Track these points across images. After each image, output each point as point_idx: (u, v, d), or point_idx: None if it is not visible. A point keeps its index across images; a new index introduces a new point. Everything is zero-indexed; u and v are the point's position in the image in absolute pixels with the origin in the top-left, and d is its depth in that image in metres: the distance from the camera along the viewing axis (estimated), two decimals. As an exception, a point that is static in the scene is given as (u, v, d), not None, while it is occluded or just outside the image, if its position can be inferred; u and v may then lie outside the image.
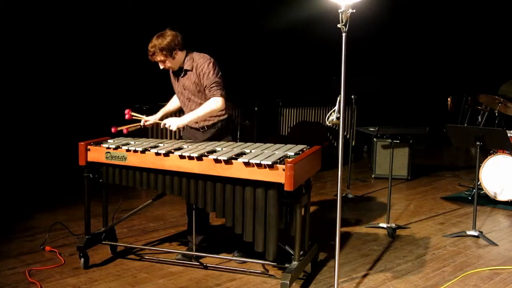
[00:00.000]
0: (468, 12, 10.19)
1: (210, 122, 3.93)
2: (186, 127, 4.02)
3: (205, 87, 3.81)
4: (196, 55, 3.88)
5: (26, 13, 6.53)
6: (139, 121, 4.05)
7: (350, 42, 3.17)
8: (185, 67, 3.87)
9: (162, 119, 4.06)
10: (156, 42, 3.75)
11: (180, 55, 3.83)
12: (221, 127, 3.95)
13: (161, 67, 3.90)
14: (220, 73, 3.84)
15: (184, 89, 3.93)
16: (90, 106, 7.03)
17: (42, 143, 6.63)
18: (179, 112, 4.23)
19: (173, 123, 3.77)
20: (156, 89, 7.37)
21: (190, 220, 4.01)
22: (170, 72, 4.01)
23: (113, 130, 3.94)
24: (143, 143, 3.80)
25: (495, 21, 10.10)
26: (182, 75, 3.90)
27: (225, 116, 3.95)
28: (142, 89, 7.28)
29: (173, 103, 4.23)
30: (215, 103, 3.76)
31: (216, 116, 3.90)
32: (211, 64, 3.81)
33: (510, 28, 9.90)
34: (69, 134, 5.92)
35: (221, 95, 3.78)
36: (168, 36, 3.76)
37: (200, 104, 3.86)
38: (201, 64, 3.81)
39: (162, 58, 3.79)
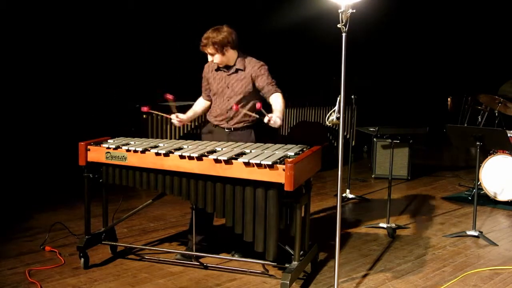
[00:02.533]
0: (468, 12, 10.19)
1: (239, 126, 3.94)
2: (208, 124, 4.07)
3: (267, 83, 3.85)
4: (250, 58, 3.93)
5: (26, 13, 6.53)
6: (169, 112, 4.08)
7: (350, 42, 3.17)
8: (237, 66, 3.88)
9: (189, 120, 4.20)
10: (210, 35, 3.78)
11: (231, 53, 3.85)
12: (247, 129, 3.97)
13: (209, 59, 3.89)
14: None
15: (228, 87, 3.91)
16: (90, 106, 7.03)
17: (42, 143, 6.63)
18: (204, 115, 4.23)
19: (278, 121, 3.65)
20: (156, 89, 7.40)
21: (195, 219, 4.00)
22: (211, 69, 3.99)
23: (145, 109, 4.03)
24: (143, 143, 3.80)
25: (495, 21, 10.10)
26: (230, 73, 3.89)
27: (253, 121, 3.98)
28: (142, 89, 7.29)
29: (200, 106, 4.20)
30: (282, 97, 3.84)
31: (244, 122, 3.94)
32: (266, 67, 3.90)
33: (510, 28, 9.90)
34: (69, 134, 5.92)
35: (281, 92, 3.87)
36: (224, 32, 3.79)
37: (239, 104, 3.88)
38: (258, 67, 3.87)
39: (212, 51, 3.80)
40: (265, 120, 3.61)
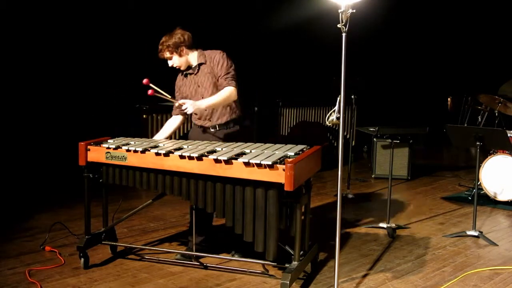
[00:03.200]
0: (468, 12, 10.19)
1: (223, 121, 3.95)
2: (194, 126, 4.08)
3: (219, 76, 3.87)
4: (210, 50, 3.98)
5: (26, 13, 6.53)
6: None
7: (350, 42, 3.17)
8: (198, 62, 3.93)
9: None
10: (164, 40, 3.89)
11: (187, 52, 3.91)
12: (233, 127, 4.00)
13: (169, 64, 3.97)
14: (233, 65, 3.92)
15: (198, 86, 3.94)
16: (90, 106, 7.03)
17: (42, 143, 6.63)
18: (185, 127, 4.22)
19: (190, 107, 3.73)
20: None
21: (195, 220, 4.01)
22: (182, 78, 4.05)
23: (145, 81, 3.93)
24: (143, 143, 3.80)
25: (495, 21, 10.10)
26: (196, 72, 3.93)
27: (237, 115, 4.01)
28: (142, 89, 7.28)
29: (170, 127, 4.14)
30: (230, 92, 3.83)
31: (227, 115, 3.95)
32: (224, 55, 3.91)
33: (510, 28, 9.90)
34: (69, 134, 5.92)
35: (235, 86, 3.86)
36: (176, 35, 3.88)
37: None
38: (214, 56, 3.91)
39: (169, 54, 3.89)
40: (176, 104, 3.74)
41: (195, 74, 3.96)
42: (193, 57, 3.95)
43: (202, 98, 3.92)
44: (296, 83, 8.63)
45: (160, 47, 3.91)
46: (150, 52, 7.69)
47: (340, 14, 3.06)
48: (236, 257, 3.94)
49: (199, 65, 3.94)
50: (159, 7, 7.52)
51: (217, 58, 3.90)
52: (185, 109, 3.75)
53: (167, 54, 3.90)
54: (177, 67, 3.98)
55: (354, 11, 3.07)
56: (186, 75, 4.02)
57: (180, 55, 3.90)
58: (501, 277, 3.80)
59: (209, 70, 3.92)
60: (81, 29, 6.91)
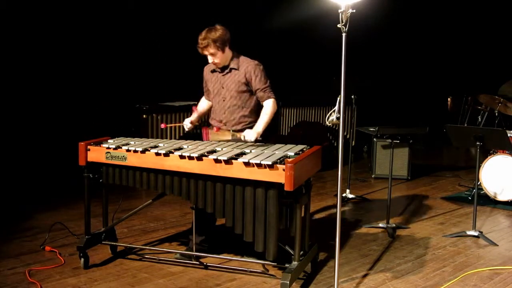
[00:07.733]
0: (468, 12, 10.19)
1: (239, 127, 3.95)
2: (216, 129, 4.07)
3: (258, 89, 3.89)
4: (244, 57, 3.95)
5: (26, 13, 6.53)
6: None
7: (350, 42, 3.17)
8: (231, 66, 3.90)
9: (198, 121, 4.21)
10: (208, 35, 3.78)
11: (228, 51, 3.88)
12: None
13: (210, 60, 3.88)
14: (267, 77, 3.94)
15: (222, 88, 3.93)
16: (90, 106, 7.03)
17: (42, 143, 6.62)
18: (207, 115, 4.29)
19: (251, 136, 3.78)
20: (156, 89, 7.41)
21: (196, 220, 4.00)
22: (208, 71, 4.03)
23: (162, 126, 4.20)
24: (143, 143, 3.80)
25: (495, 21, 10.10)
26: (224, 73, 3.92)
27: (252, 121, 3.99)
28: (142, 89, 7.29)
29: (203, 106, 4.26)
30: (273, 104, 3.90)
31: (251, 117, 3.96)
32: (261, 67, 3.91)
33: (510, 28, 9.90)
34: (69, 134, 5.92)
35: (274, 97, 3.92)
36: (219, 30, 3.81)
37: (236, 104, 3.91)
38: (252, 67, 3.88)
39: (214, 50, 3.79)
40: (242, 138, 3.79)
41: (223, 75, 3.93)
42: (229, 57, 3.90)
43: (224, 100, 3.93)
44: (297, 83, 8.63)
45: (205, 41, 3.76)
46: (150, 52, 7.72)
47: (340, 14, 3.06)
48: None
49: (231, 69, 3.90)
50: (159, 8, 7.52)
51: (254, 71, 3.86)
52: (249, 139, 3.77)
53: (213, 50, 3.78)
54: (217, 64, 3.89)
55: (354, 11, 3.07)
56: (213, 71, 3.99)
57: (223, 52, 3.83)
58: (501, 277, 3.80)
59: (240, 78, 3.88)
60: (81, 29, 6.90)
